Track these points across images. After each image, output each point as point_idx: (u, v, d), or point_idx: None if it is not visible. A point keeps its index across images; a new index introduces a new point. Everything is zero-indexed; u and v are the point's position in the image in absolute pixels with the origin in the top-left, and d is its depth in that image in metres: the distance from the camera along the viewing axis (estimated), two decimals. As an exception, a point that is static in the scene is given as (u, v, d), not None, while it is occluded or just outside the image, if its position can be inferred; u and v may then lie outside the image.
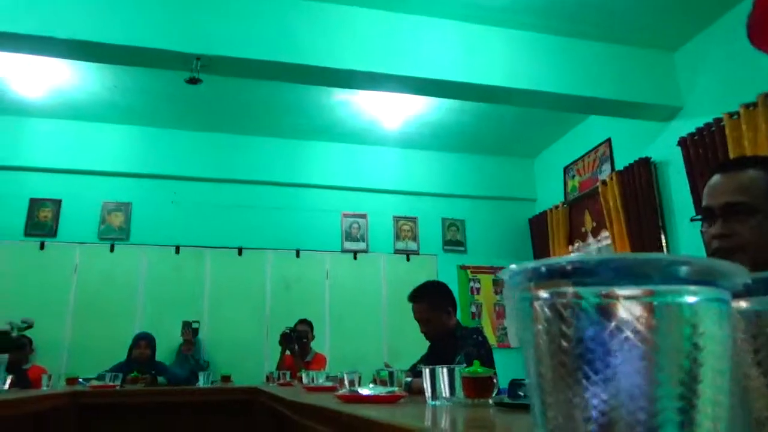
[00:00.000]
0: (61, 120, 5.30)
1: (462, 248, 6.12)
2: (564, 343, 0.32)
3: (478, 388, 1.33)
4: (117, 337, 4.84)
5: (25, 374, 3.87)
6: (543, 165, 6.31)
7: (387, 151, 6.10)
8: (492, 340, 4.92)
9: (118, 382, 3.56)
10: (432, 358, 2.45)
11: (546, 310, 0.34)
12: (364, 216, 5.97)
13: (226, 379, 4.25)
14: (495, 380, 1.37)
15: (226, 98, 4.97)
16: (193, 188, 5.55)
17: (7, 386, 2.90)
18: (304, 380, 3.01)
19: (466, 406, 1.31)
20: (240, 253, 5.55)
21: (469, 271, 6.06)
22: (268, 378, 4.09)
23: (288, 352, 4.35)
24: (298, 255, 5.68)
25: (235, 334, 5.27)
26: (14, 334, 3.00)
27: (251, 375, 4.81)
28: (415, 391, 1.79)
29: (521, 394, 1.44)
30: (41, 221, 5.18)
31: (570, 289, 0.33)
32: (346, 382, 2.33)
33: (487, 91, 4.11)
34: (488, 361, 2.12)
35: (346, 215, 5.92)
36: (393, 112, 5.25)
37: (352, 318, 5.59)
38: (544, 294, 0.34)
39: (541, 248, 5.88)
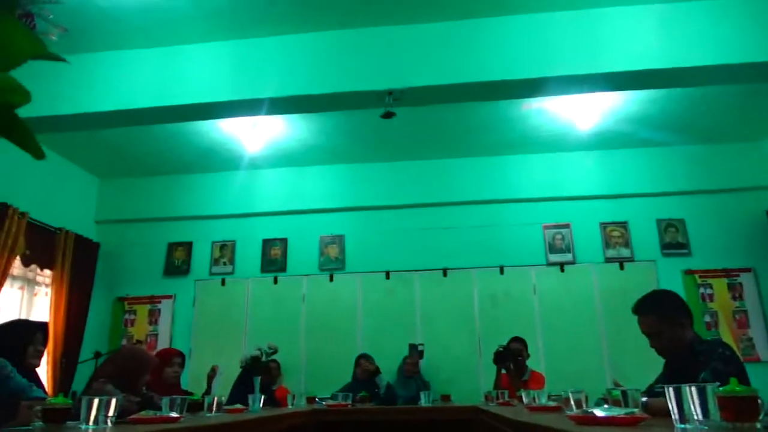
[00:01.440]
0: (279, 168, 6.04)
1: (685, 251, 5.47)
2: None
3: (739, 410, 1.16)
4: (342, 357, 5.28)
5: (273, 394, 4.40)
6: (777, 146, 5.39)
7: (585, 155, 5.77)
8: (737, 353, 4.27)
9: (348, 401, 3.86)
10: (670, 377, 2.21)
11: None
12: (567, 226, 5.70)
13: (446, 398, 4.34)
14: (760, 401, 1.18)
15: (418, 126, 5.18)
16: (397, 215, 5.87)
17: (260, 405, 3.33)
18: (525, 400, 2.94)
19: (727, 431, 1.15)
20: (445, 274, 5.68)
21: (697, 276, 5.39)
22: (486, 397, 4.08)
23: (504, 371, 4.29)
24: (502, 272, 5.62)
25: (448, 353, 5.37)
26: (264, 359, 3.43)
27: (467, 394, 4.85)
28: (653, 414, 1.62)
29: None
30: (273, 258, 5.92)
31: None
32: (572, 402, 2.22)
33: (693, 74, 3.65)
34: (743, 379, 1.85)
35: (547, 227, 5.72)
36: (587, 113, 4.97)
37: (566, 334, 5.32)
38: None
39: (788, 243, 4.99)
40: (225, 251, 6.00)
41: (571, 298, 5.47)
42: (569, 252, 5.63)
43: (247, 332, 5.69)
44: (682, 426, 1.31)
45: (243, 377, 3.78)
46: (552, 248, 5.66)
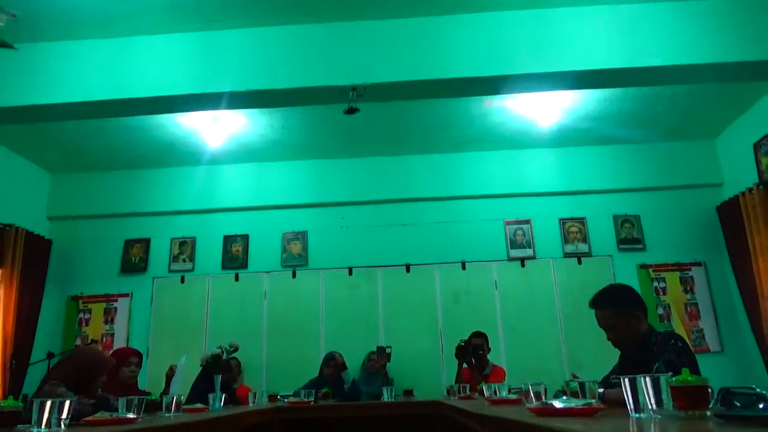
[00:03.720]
0: (241, 164, 5.94)
1: (640, 245, 5.64)
2: None
3: (691, 398, 1.20)
4: (306, 354, 5.26)
5: (234, 393, 4.34)
6: (727, 144, 5.61)
7: (546, 152, 5.88)
8: (688, 344, 4.44)
9: (311, 398, 3.84)
10: (625, 368, 2.27)
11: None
12: (527, 222, 5.80)
13: (408, 393, 4.36)
14: (710, 389, 1.22)
15: (381, 122, 5.18)
16: (359, 212, 5.85)
17: (221, 404, 3.28)
18: (486, 393, 2.97)
19: (680, 419, 1.19)
20: (408, 269, 5.70)
21: (650, 269, 5.57)
22: (448, 391, 4.12)
23: (465, 365, 4.34)
24: (464, 267, 5.68)
25: (411, 348, 5.39)
26: (224, 357, 3.38)
27: (430, 389, 4.90)
28: (609, 404, 1.67)
29: (737, 404, 1.28)
30: (234, 255, 5.82)
31: None
32: (532, 395, 2.26)
33: (650, 73, 3.77)
34: (695, 369, 1.92)
35: (509, 222, 5.81)
36: (548, 110, 5.06)
37: (527, 327, 5.43)
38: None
39: (736, 238, 5.20)
40: (185, 248, 5.87)
41: (531, 292, 5.57)
42: (530, 247, 5.73)
43: (207, 330, 5.59)
44: (637, 415, 1.35)
45: (203, 376, 3.72)
46: (513, 244, 5.76)
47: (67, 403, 1.75)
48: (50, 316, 5.56)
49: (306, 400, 3.80)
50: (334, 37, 3.85)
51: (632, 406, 1.37)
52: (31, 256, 5.32)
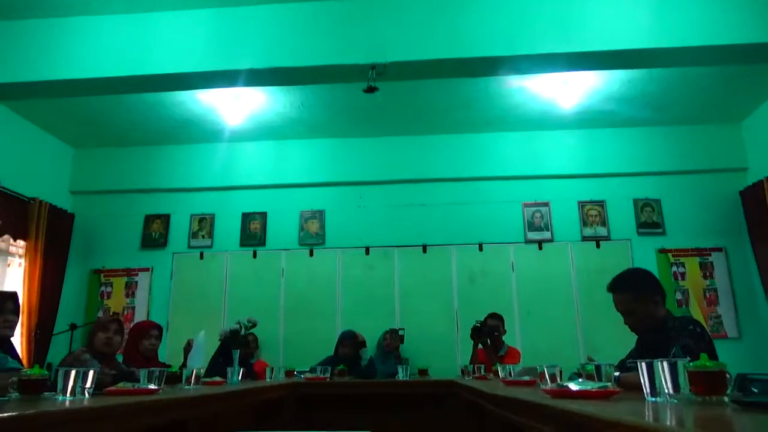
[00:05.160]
0: (260, 141, 5.96)
1: (660, 230, 5.57)
2: None
3: (708, 384, 1.20)
4: (322, 332, 5.32)
5: (252, 368, 4.41)
6: (754, 128, 5.48)
7: (566, 134, 5.81)
8: (706, 330, 4.40)
9: (327, 375, 3.89)
10: (642, 353, 2.26)
11: None
12: (546, 204, 5.75)
13: (423, 372, 4.40)
14: (728, 375, 1.22)
15: (400, 102, 5.15)
16: (378, 191, 5.86)
17: (239, 378, 3.34)
18: (501, 374, 2.99)
19: (697, 404, 1.19)
20: (425, 250, 5.71)
21: (670, 254, 5.50)
22: (463, 371, 4.14)
23: (480, 346, 4.36)
24: (481, 249, 5.67)
25: (427, 328, 5.43)
26: (242, 332, 3.43)
27: (445, 368, 4.92)
28: (625, 388, 1.67)
29: (754, 390, 1.27)
30: (252, 232, 5.88)
31: None
32: (547, 377, 2.26)
33: (677, 54, 3.67)
34: (712, 355, 1.90)
35: (527, 205, 5.77)
36: (569, 92, 4.98)
37: (542, 310, 5.42)
38: None
39: (759, 224, 5.11)
40: (204, 224, 5.94)
41: (548, 275, 5.55)
42: (547, 230, 5.70)
43: (225, 306, 5.68)
44: (654, 399, 1.35)
45: (221, 350, 3.78)
46: (531, 226, 5.72)
47: (91, 372, 1.80)
48: (73, 288, 5.69)
49: (322, 376, 3.86)
50: (354, 14, 3.81)
51: (648, 390, 1.37)
52: (55, 230, 5.42)
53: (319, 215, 5.88)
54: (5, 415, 1.14)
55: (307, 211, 5.89)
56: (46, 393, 1.76)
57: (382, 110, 5.29)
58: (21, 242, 5.19)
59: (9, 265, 5.17)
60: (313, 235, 5.84)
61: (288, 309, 5.64)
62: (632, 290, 2.34)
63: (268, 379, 3.81)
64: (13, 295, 2.72)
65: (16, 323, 2.73)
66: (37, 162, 5.51)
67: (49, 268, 5.30)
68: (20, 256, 5.23)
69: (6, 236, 5.02)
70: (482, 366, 3.84)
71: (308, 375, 3.95)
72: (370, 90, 3.78)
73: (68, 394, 1.73)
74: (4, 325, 2.62)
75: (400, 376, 3.94)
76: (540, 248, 5.65)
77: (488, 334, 4.32)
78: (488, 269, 5.61)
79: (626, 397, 1.46)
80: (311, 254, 5.80)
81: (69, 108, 5.15)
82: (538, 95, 5.07)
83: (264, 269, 5.77)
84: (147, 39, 3.86)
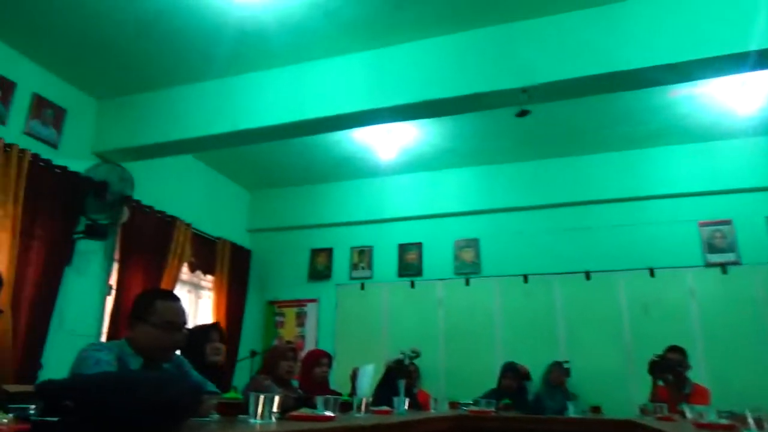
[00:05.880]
0: (413, 173, 6.13)
1: None
2: None
3: None
4: (482, 362, 5.23)
5: (416, 398, 4.45)
6: None
7: (746, 143, 5.17)
8: None
9: (491, 408, 3.80)
10: None
11: None
12: (728, 222, 5.14)
13: (595, 409, 4.10)
14: None
15: (551, 123, 4.97)
16: (533, 217, 5.69)
17: (406, 408, 3.38)
18: (689, 415, 2.69)
19: None
20: (588, 277, 5.39)
21: None
22: (642, 410, 3.78)
23: (660, 383, 3.96)
24: (652, 274, 5.21)
25: (594, 362, 5.07)
26: (406, 362, 3.49)
27: (617, 406, 4.52)
28: None
29: None
30: (409, 263, 6.02)
31: None
32: (751, 422, 1.98)
33: None
34: None
35: (703, 224, 5.20)
36: (747, 95, 4.44)
37: (732, 344, 4.79)
38: None
39: None
40: (363, 256, 6.21)
41: (736, 303, 4.91)
42: (732, 252, 5.07)
43: (386, 335, 5.83)
44: None
45: (386, 379, 3.87)
46: (711, 248, 5.14)
47: (277, 397, 1.94)
48: (252, 318, 6.25)
49: (486, 409, 3.77)
50: (501, 40, 3.78)
51: None
52: (236, 265, 6.04)
53: (473, 244, 5.84)
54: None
55: (461, 240, 5.89)
56: (240, 415, 1.93)
57: (533, 133, 5.15)
58: (210, 277, 5.85)
59: (201, 298, 5.84)
60: (468, 263, 5.81)
61: (446, 339, 5.63)
62: None
63: (432, 410, 3.81)
64: (215, 325, 3.05)
65: (223, 350, 3.03)
66: (220, 206, 6.22)
67: (233, 300, 5.89)
68: (209, 290, 5.88)
69: (198, 272, 5.69)
70: (665, 405, 3.48)
71: (473, 408, 3.89)
72: (523, 114, 3.71)
73: (258, 417, 1.88)
74: (213, 352, 2.92)
75: (571, 412, 3.71)
76: (724, 272, 5.04)
77: (670, 370, 3.91)
78: (663, 297, 5.12)
79: None
80: (467, 283, 5.76)
81: (243, 155, 5.75)
82: (709, 102, 4.60)
83: (421, 299, 5.86)
84: (308, 86, 4.16)
